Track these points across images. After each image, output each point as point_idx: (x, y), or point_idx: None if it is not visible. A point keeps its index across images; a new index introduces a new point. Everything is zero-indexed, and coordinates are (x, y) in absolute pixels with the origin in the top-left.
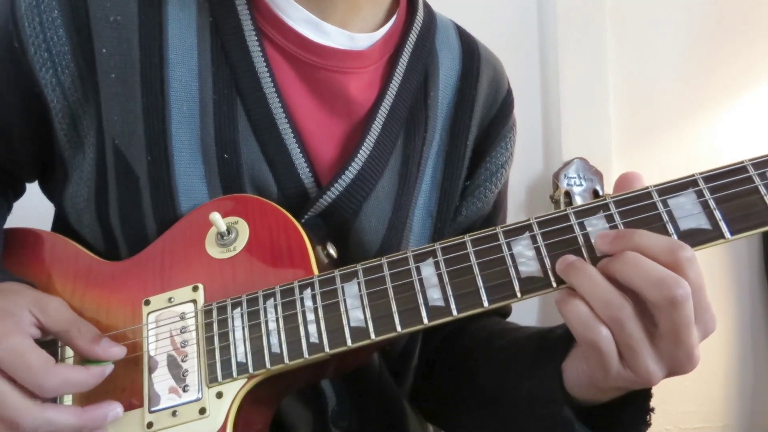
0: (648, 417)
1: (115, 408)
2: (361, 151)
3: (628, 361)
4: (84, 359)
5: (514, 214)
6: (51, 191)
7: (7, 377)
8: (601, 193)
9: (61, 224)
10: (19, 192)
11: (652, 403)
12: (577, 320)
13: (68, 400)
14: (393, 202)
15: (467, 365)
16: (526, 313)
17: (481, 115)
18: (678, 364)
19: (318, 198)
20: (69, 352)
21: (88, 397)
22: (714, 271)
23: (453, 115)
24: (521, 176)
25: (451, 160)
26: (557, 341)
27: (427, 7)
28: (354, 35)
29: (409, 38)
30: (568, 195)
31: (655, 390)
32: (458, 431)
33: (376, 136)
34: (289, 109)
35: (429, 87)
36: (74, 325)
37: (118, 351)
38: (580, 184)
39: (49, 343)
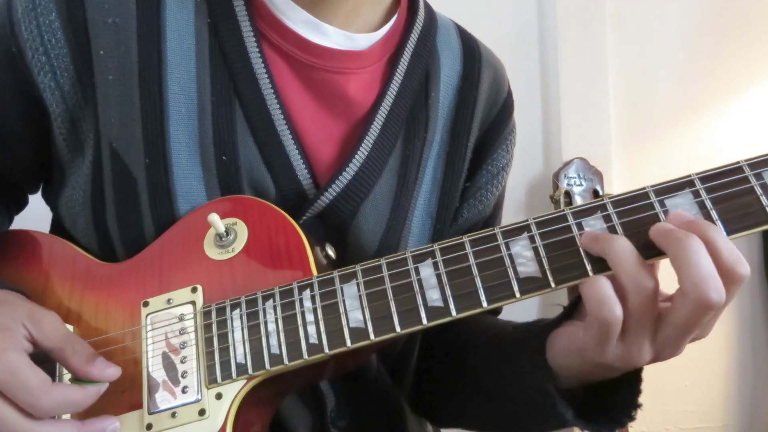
0: (633, 412)
1: (114, 423)
2: (359, 152)
3: (626, 338)
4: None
5: (513, 215)
6: (48, 196)
7: (2, 396)
8: (601, 193)
9: (57, 228)
10: (22, 204)
11: (646, 403)
12: (599, 294)
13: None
14: (391, 202)
15: (460, 354)
16: (525, 314)
17: (482, 117)
18: (667, 353)
19: (316, 199)
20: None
21: None
22: None
23: (454, 116)
24: (521, 176)
25: (452, 161)
26: (544, 327)
27: (427, 7)
28: (353, 35)
29: (410, 38)
30: (568, 195)
31: (654, 390)
32: (452, 420)
33: (375, 136)
34: (288, 110)
35: (430, 87)
36: (69, 343)
37: (114, 372)
38: (580, 184)
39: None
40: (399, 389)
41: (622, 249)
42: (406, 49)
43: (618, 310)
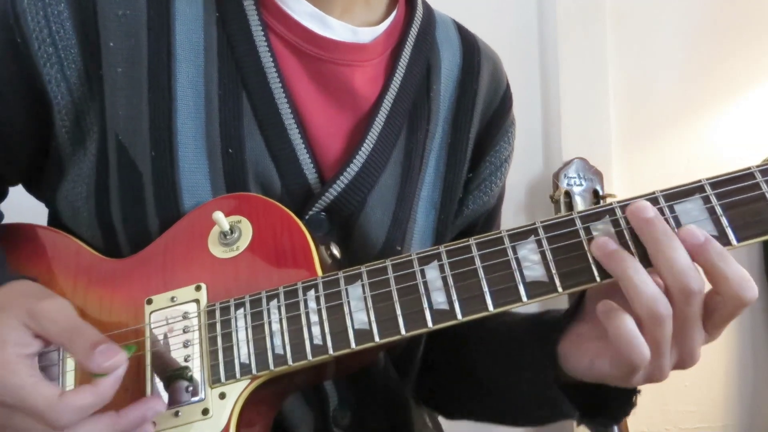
0: (634, 398)
1: (154, 406)
2: (364, 145)
3: (649, 364)
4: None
5: (513, 215)
6: (41, 190)
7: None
8: (601, 192)
9: (55, 223)
10: (3, 196)
11: (645, 403)
12: (625, 338)
13: (70, 381)
14: (396, 194)
15: (461, 351)
16: (526, 311)
17: (483, 109)
18: (686, 362)
19: (322, 193)
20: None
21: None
22: None
23: (455, 108)
24: (521, 176)
25: (455, 152)
26: (553, 325)
27: (425, 3)
28: (357, 29)
29: (411, 32)
30: (568, 195)
31: (654, 390)
32: (456, 412)
33: (379, 129)
34: (295, 103)
35: (431, 80)
36: (67, 337)
37: (112, 364)
38: (580, 184)
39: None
40: (404, 383)
41: (641, 279)
42: (407, 42)
43: (646, 350)
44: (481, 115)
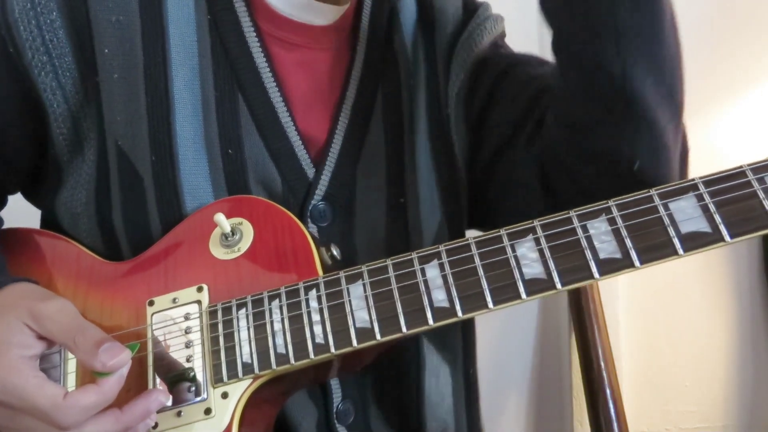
0: None
1: (158, 398)
2: (339, 123)
3: None
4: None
5: None
6: (39, 197)
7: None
8: None
9: (50, 228)
10: (2, 205)
11: (646, 403)
12: None
13: (71, 383)
14: (386, 154)
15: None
16: (525, 313)
17: (449, 32)
18: None
19: (317, 184)
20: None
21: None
22: (714, 271)
23: (422, 44)
24: None
25: (432, 82)
26: None
27: None
28: (339, 8)
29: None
30: None
31: (654, 390)
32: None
33: (352, 101)
34: (289, 100)
35: (393, 32)
36: (70, 337)
37: (117, 362)
38: None
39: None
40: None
41: None
42: (364, 13)
43: None
44: (448, 38)
